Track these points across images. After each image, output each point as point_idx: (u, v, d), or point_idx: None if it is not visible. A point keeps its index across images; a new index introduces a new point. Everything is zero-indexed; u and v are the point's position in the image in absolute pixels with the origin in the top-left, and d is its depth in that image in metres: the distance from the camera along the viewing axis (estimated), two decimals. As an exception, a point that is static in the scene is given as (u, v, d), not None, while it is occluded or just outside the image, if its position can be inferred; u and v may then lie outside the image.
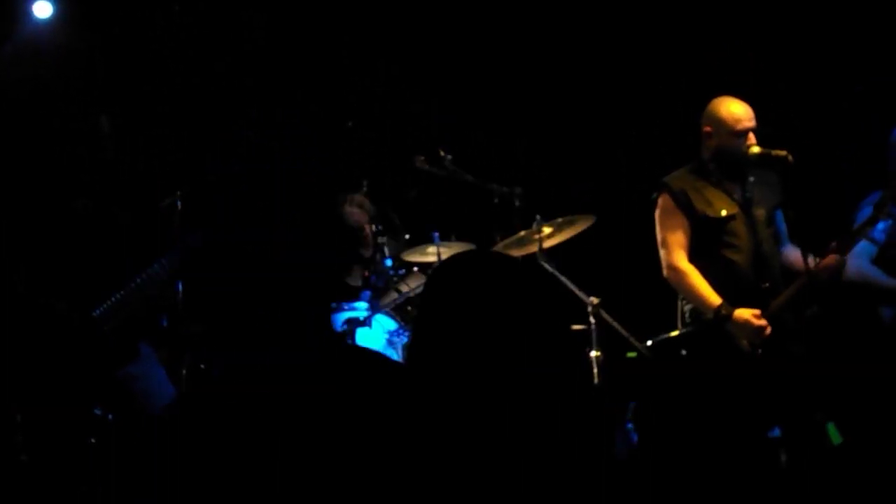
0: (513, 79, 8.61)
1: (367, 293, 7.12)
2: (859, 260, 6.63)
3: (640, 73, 8.56)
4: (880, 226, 6.47)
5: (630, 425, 7.28)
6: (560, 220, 6.94)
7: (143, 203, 5.59)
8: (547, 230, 6.86)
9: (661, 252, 6.40)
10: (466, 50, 8.59)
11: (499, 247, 6.85)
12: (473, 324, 3.07)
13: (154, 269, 5.31)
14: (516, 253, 6.80)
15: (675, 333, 6.54)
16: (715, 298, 6.19)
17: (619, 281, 7.62)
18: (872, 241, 6.63)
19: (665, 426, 6.69)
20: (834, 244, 6.18)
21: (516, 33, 8.58)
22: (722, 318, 6.14)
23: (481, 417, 3.02)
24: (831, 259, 6.14)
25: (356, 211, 7.48)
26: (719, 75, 7.89)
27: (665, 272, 6.39)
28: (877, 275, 6.72)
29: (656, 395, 6.80)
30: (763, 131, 6.34)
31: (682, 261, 6.32)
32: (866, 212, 6.50)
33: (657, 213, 6.45)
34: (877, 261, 6.74)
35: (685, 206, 6.34)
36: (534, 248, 6.80)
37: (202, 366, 7.13)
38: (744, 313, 6.13)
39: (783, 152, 6.21)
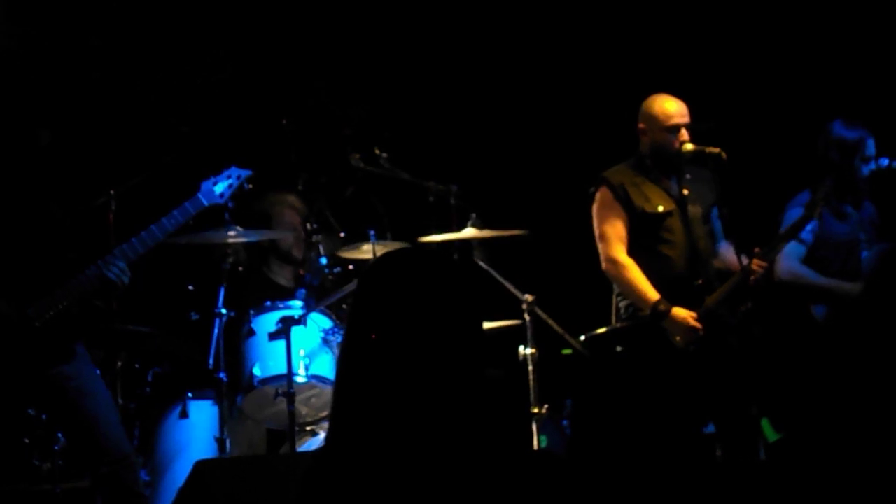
0: (448, 75, 8.61)
1: (302, 291, 7.09)
2: (790, 261, 6.70)
3: (575, 69, 8.59)
4: (809, 226, 6.53)
5: (565, 422, 7.32)
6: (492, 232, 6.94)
7: (79, 202, 5.56)
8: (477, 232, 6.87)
9: (600, 245, 6.41)
10: (403, 48, 8.58)
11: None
12: (405, 321, 3.07)
13: (92, 270, 5.27)
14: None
15: (603, 330, 6.57)
16: (653, 294, 6.21)
17: (555, 278, 7.64)
18: (801, 241, 6.69)
19: (600, 422, 6.72)
20: (757, 250, 6.22)
21: (453, 30, 8.58)
22: (659, 313, 6.16)
23: (413, 412, 3.03)
24: (757, 266, 6.18)
25: (288, 212, 7.44)
26: (651, 71, 7.94)
27: (604, 265, 6.40)
28: (808, 274, 6.78)
29: (592, 391, 6.83)
30: (699, 128, 6.38)
31: (621, 254, 6.33)
32: (793, 213, 6.57)
33: (595, 207, 6.47)
34: (806, 261, 6.80)
35: (623, 200, 6.37)
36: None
37: (136, 366, 7.11)
38: (681, 312, 6.15)
39: (716, 149, 6.26)
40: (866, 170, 6.79)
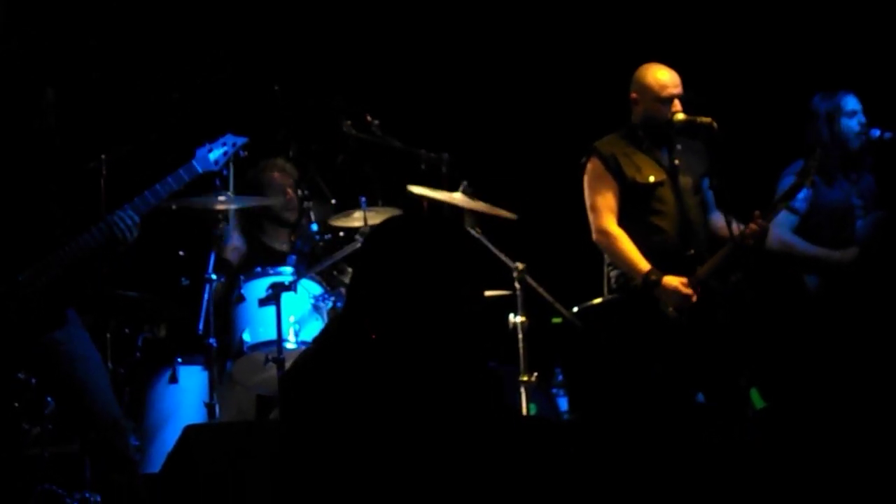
0: (440, 43, 8.60)
1: (293, 258, 7.10)
2: (781, 230, 6.71)
3: (566, 39, 8.59)
4: (801, 194, 6.54)
5: (555, 390, 7.35)
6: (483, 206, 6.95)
7: (71, 169, 5.53)
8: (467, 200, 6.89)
9: (591, 216, 6.39)
10: (395, 14, 8.57)
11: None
12: (407, 285, 3.08)
13: (84, 238, 5.25)
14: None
15: (599, 300, 6.57)
16: (644, 264, 6.19)
17: (546, 246, 7.65)
18: (793, 210, 6.70)
19: (593, 392, 6.74)
20: (757, 213, 6.22)
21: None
22: (651, 283, 6.15)
23: (411, 373, 3.04)
24: (756, 226, 6.18)
25: (277, 175, 7.45)
26: (642, 40, 7.93)
27: (594, 236, 6.39)
28: (799, 243, 6.80)
29: (584, 360, 6.84)
30: (690, 97, 6.38)
31: (611, 224, 6.32)
32: (788, 180, 6.57)
33: (586, 178, 6.45)
34: (798, 230, 6.82)
35: (615, 170, 6.35)
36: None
37: (126, 331, 7.11)
38: (672, 280, 6.14)
39: (708, 119, 6.25)
40: (854, 123, 6.80)
